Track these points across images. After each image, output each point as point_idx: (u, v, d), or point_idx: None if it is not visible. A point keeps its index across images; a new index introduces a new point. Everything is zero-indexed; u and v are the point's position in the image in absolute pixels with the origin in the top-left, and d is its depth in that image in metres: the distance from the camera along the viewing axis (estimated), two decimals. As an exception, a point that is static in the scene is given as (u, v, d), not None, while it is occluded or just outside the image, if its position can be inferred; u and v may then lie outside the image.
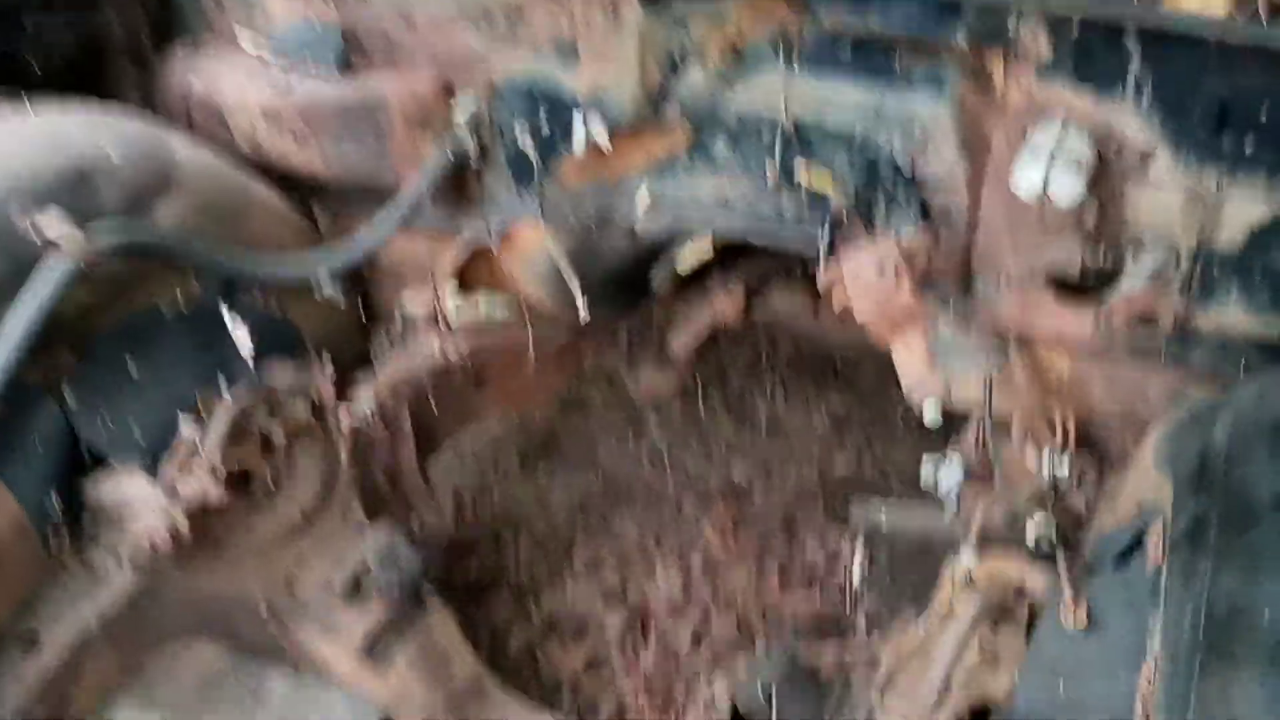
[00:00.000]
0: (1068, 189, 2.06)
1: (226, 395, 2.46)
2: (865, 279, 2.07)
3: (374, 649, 2.33)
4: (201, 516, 2.30)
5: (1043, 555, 2.12)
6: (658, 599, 3.27)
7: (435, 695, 2.36)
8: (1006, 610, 2.01)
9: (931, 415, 2.04)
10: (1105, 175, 2.14)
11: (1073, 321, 2.33)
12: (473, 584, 3.28)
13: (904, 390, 2.06)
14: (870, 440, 3.88)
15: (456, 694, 2.40)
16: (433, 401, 2.91)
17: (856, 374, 4.12)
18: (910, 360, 2.04)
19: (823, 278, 2.12)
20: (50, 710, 2.10)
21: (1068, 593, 1.89)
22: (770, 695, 2.05)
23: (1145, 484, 2.02)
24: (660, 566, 3.36)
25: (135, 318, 2.41)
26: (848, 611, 3.21)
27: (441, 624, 2.48)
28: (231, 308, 2.54)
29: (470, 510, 3.49)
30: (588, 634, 3.16)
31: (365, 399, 2.72)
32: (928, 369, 2.02)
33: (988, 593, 2.02)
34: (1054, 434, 2.36)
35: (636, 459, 3.77)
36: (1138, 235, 2.21)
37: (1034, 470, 2.34)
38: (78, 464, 2.32)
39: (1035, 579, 2.04)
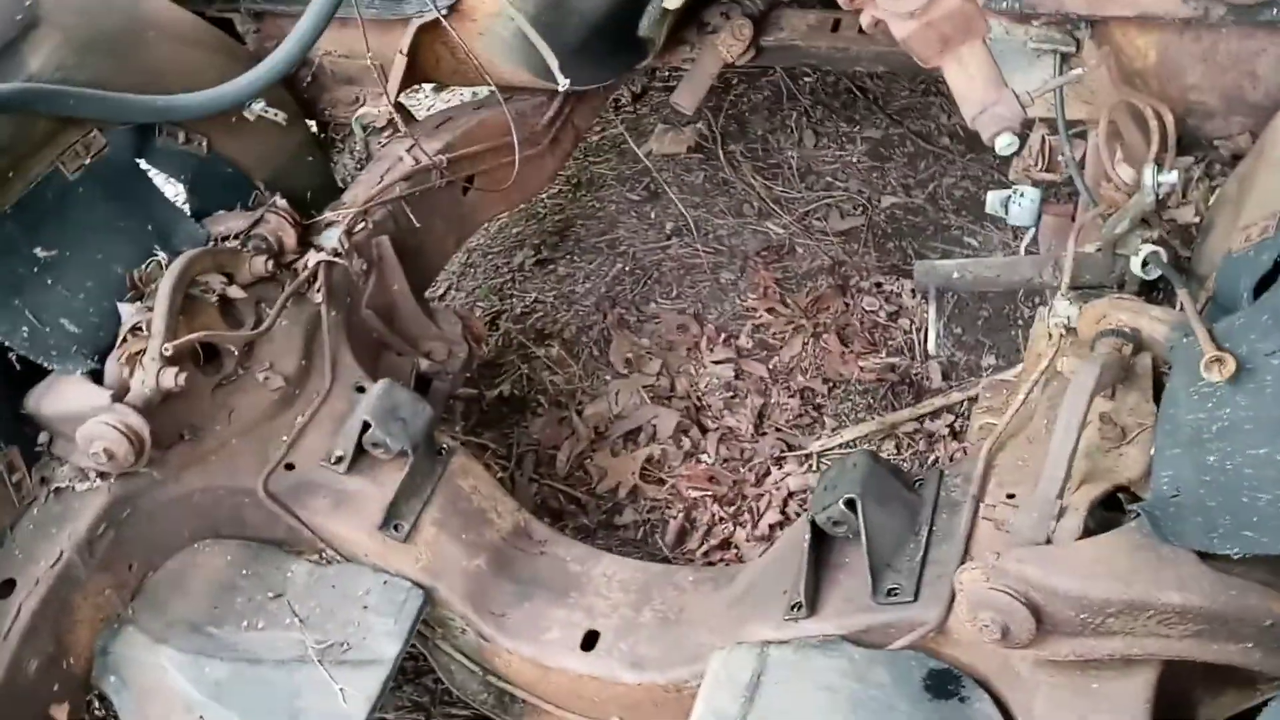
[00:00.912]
0: None
1: (164, 261, 2.10)
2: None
3: (395, 519, 2.05)
4: (167, 408, 1.99)
5: (1156, 292, 1.75)
6: (709, 385, 2.97)
7: (476, 553, 2.09)
8: (1124, 369, 1.65)
9: (1005, 144, 1.62)
10: None
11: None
12: (508, 405, 3.00)
13: (968, 120, 1.64)
14: (915, 165, 3.49)
15: (499, 547, 2.13)
16: (415, 218, 2.53)
17: (891, 94, 3.69)
18: (970, 82, 1.61)
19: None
20: (45, 657, 1.85)
21: (1203, 337, 1.52)
22: (855, 509, 1.73)
23: (1281, 184, 1.62)
24: (706, 349, 3.05)
25: (33, 190, 2.02)
26: (918, 368, 2.90)
27: (467, 472, 2.18)
28: (149, 156, 2.15)
29: (490, 326, 3.16)
30: (640, 437, 2.88)
31: (334, 231, 2.35)
32: (994, 89, 1.60)
33: (1099, 352, 1.65)
34: (1147, 136, 1.94)
35: (661, 233, 3.41)
36: None
37: (1127, 185, 1.94)
38: (13, 378, 1.99)
39: (1154, 324, 1.67)
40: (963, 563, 1.66)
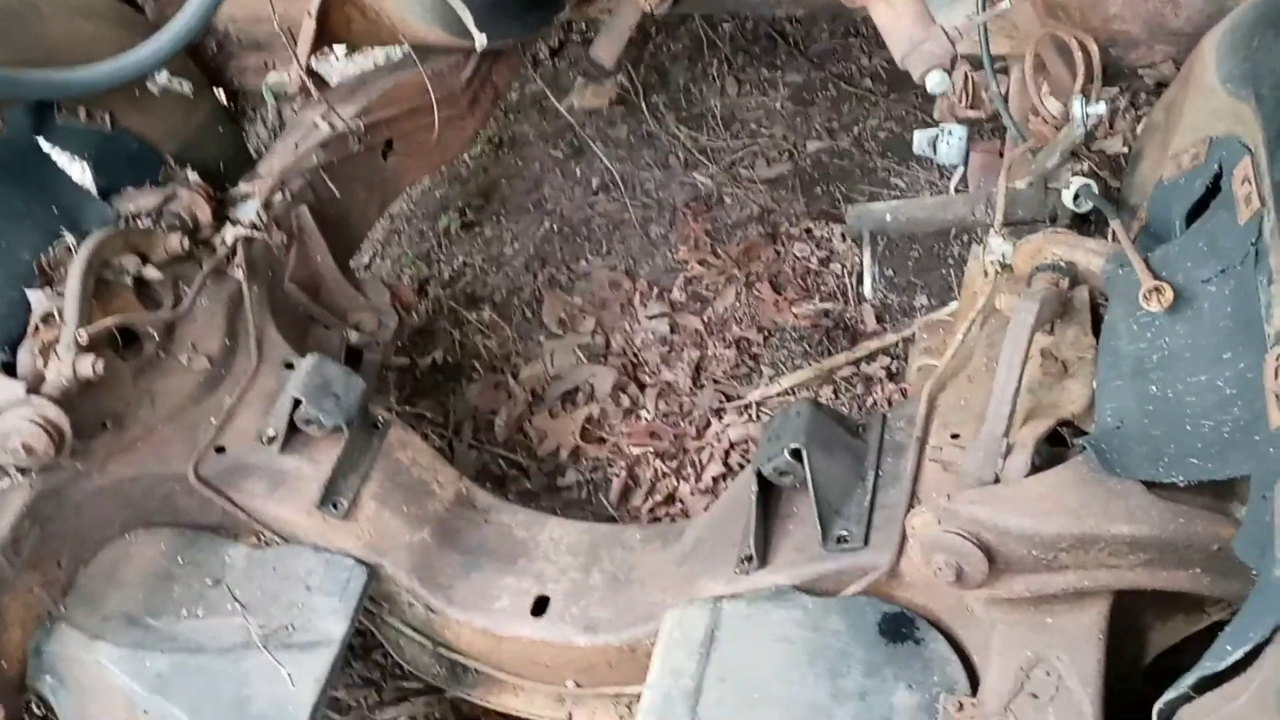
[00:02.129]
0: None
1: (73, 244, 2.01)
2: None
3: (333, 496, 1.99)
4: (86, 397, 1.91)
5: (1088, 224, 1.74)
6: (645, 341, 2.94)
7: (419, 526, 2.04)
8: (1062, 303, 1.65)
9: (937, 81, 1.60)
10: None
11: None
12: (442, 373, 2.94)
13: (897, 59, 1.61)
14: (838, 109, 3.47)
15: (442, 518, 2.08)
16: (334, 186, 2.46)
17: (810, 37, 3.66)
18: (897, 20, 1.58)
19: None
20: (-26, 664, 1.79)
21: (1140, 267, 1.52)
22: (801, 458, 1.72)
23: (1210, 110, 1.62)
24: (639, 304, 3.02)
25: (-76, 176, 1.93)
26: (851, 312, 2.90)
27: (405, 444, 2.13)
28: (49, 134, 2.05)
29: (419, 293, 3.10)
30: (578, 397, 2.85)
31: (250, 204, 2.27)
32: (922, 26, 1.57)
33: (1036, 287, 1.65)
34: (1072, 69, 1.93)
35: (588, 189, 3.36)
36: None
37: (1055, 118, 1.93)
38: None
39: (1090, 256, 1.67)
40: (911, 505, 1.65)
